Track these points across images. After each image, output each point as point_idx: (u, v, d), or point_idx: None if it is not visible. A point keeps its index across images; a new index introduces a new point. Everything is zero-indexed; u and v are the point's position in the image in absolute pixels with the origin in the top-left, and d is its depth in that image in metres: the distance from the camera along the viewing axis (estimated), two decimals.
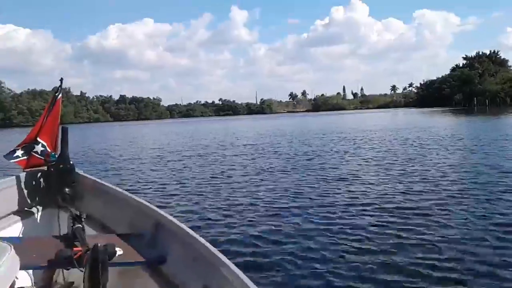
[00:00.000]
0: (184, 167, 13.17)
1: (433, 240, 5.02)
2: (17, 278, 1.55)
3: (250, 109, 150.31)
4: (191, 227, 2.25)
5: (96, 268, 1.91)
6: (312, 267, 4.40)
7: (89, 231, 2.70)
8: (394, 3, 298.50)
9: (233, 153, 17.18)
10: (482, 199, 7.06)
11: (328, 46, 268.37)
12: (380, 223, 5.86)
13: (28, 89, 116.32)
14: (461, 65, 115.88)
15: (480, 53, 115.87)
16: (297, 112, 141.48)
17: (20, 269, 1.51)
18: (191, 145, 22.38)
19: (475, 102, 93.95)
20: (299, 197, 7.84)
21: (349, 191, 8.26)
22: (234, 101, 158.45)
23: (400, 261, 4.43)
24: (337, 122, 45.61)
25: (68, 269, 2.37)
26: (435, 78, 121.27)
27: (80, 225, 2.45)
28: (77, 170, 3.28)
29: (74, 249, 2.15)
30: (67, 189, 3.10)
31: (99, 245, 2.00)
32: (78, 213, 2.59)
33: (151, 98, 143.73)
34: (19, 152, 3.42)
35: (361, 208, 6.79)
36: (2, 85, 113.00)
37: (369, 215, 6.32)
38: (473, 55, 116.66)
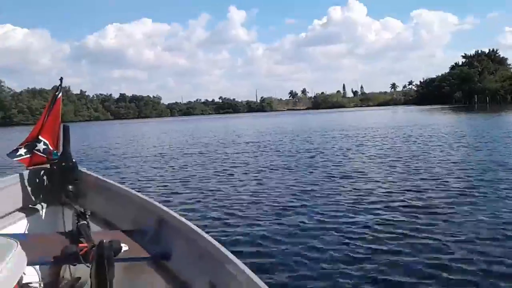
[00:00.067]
0: (185, 165, 13.17)
1: (442, 240, 4.94)
2: (24, 274, 1.56)
3: (250, 107, 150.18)
4: (194, 223, 2.26)
5: (102, 263, 1.92)
6: (317, 265, 4.37)
7: (94, 227, 2.72)
8: (392, 2, 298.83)
9: (235, 151, 17.18)
10: (491, 197, 6.96)
11: (326, 45, 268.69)
12: (386, 222, 5.79)
13: (28, 88, 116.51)
14: (460, 63, 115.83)
15: (479, 51, 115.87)
16: (297, 110, 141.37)
17: (27, 265, 1.52)
18: (192, 143, 22.38)
19: (476, 100, 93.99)
20: (303, 195, 7.80)
21: (354, 188, 8.20)
22: (234, 99, 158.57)
23: (408, 261, 4.36)
24: (338, 120, 45.59)
25: (74, 265, 2.39)
26: (434, 76, 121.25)
27: (85, 222, 2.47)
28: (79, 167, 3.29)
29: (80, 245, 2.16)
30: (70, 187, 3.12)
31: (104, 241, 2.01)
32: (82, 210, 2.60)
33: (151, 96, 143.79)
34: (22, 151, 3.44)
35: (366, 206, 6.71)
36: (2, 84, 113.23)
37: (375, 214, 6.24)
38: (472, 54, 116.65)
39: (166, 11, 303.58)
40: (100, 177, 3.24)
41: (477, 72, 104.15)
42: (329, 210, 6.54)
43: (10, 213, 2.96)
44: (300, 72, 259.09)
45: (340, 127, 30.97)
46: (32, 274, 2.62)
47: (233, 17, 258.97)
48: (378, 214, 6.22)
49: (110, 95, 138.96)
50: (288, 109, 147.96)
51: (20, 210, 3.06)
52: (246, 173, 10.81)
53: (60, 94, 3.57)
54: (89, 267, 2.00)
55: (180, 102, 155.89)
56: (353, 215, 6.20)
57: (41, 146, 3.44)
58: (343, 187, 8.41)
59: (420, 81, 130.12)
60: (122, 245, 2.18)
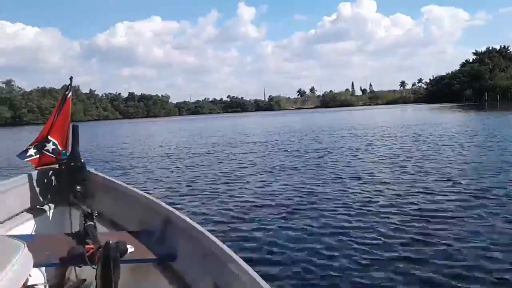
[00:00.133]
0: (194, 165, 13.18)
1: (453, 245, 4.76)
2: (30, 275, 1.57)
3: (259, 106, 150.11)
4: (201, 225, 2.26)
5: (108, 265, 1.93)
6: (323, 270, 4.28)
7: (100, 228, 2.73)
8: None
9: (242, 150, 17.16)
10: (504, 199, 6.70)
11: (335, 42, 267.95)
12: (397, 225, 5.60)
13: (38, 87, 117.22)
14: (471, 60, 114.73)
15: (490, 48, 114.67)
16: (306, 108, 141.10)
17: (33, 267, 1.53)
18: (200, 143, 22.42)
19: (486, 98, 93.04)
20: (311, 196, 7.71)
21: (363, 190, 8.01)
22: (242, 98, 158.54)
23: (419, 268, 4.20)
24: (347, 119, 45.37)
25: (80, 266, 2.40)
26: (444, 73, 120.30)
27: (91, 223, 2.48)
28: (87, 168, 3.31)
29: (86, 246, 2.17)
30: (78, 187, 3.14)
31: (110, 242, 2.02)
32: (89, 210, 2.61)
33: (160, 95, 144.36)
34: (31, 151, 3.48)
35: (376, 209, 6.54)
36: (12, 83, 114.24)
37: (384, 217, 6.05)
38: (483, 50, 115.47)
39: (175, 9, 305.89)
40: (108, 177, 3.25)
41: (488, 69, 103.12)
42: (337, 214, 6.38)
43: (18, 214, 2.99)
44: (309, 70, 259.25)
45: (348, 126, 30.81)
46: (37, 276, 2.63)
47: (242, 14, 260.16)
48: (387, 217, 6.03)
49: (119, 94, 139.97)
50: (296, 108, 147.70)
51: (28, 210, 3.09)
52: (253, 174, 10.73)
53: (70, 94, 3.60)
54: (94, 268, 2.01)
55: (189, 101, 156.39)
56: (362, 218, 6.04)
57: (50, 146, 3.48)
58: (352, 188, 8.23)
59: (430, 79, 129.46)
60: (128, 246, 2.19)
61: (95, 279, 1.98)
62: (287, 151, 16.12)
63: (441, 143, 15.65)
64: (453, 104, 79.31)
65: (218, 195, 8.26)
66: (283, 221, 6.16)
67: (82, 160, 3.25)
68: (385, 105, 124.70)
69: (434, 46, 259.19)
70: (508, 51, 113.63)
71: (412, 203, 6.79)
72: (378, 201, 7.05)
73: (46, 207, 3.22)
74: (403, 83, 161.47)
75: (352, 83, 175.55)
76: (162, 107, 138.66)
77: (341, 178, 9.52)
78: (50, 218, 3.21)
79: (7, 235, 2.16)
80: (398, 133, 22.00)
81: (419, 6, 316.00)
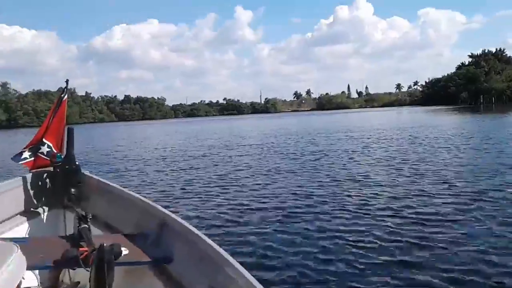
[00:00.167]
0: (189, 168, 13.16)
1: (450, 249, 4.72)
2: (23, 278, 1.56)
3: (255, 109, 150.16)
4: (196, 228, 2.25)
5: (102, 268, 1.92)
6: (319, 272, 4.27)
7: (95, 231, 2.72)
8: (399, 1, 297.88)
9: (239, 153, 17.15)
10: (501, 202, 6.69)
11: (332, 45, 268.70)
12: (393, 228, 5.56)
13: (33, 89, 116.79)
14: (466, 63, 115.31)
15: (486, 51, 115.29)
16: (302, 111, 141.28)
17: (27, 269, 1.52)
18: (196, 145, 22.40)
19: (482, 100, 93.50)
20: (307, 199, 7.69)
21: (360, 192, 8.00)
22: (238, 100, 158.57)
23: (415, 269, 4.18)
24: (343, 121, 45.44)
25: (74, 269, 2.39)
26: (440, 76, 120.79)
27: (86, 225, 2.47)
28: (82, 170, 3.30)
29: (80, 249, 2.16)
30: (73, 190, 3.13)
31: (105, 245, 2.01)
32: (84, 213, 2.60)
33: (156, 98, 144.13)
34: (26, 154, 3.47)
35: (373, 211, 6.51)
36: (8, 86, 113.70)
37: (382, 219, 6.01)
38: (479, 53, 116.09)
39: (172, 12, 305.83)
40: (103, 180, 3.24)
41: (483, 72, 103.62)
42: (333, 216, 6.35)
43: (12, 217, 2.97)
44: (306, 72, 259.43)
45: (345, 128, 30.84)
46: (31, 279, 2.62)
47: (239, 17, 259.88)
48: (383, 220, 5.99)
49: (115, 96, 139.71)
50: (292, 110, 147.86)
51: (22, 213, 3.08)
52: (249, 177, 10.72)
53: (66, 96, 3.59)
54: (89, 271, 2.00)
55: (185, 104, 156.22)
56: (358, 221, 6.02)
57: (45, 149, 3.47)
58: (349, 191, 8.21)
59: (426, 81, 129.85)
60: (123, 249, 2.18)
61: (89, 281, 1.97)
62: (283, 153, 16.11)
63: (437, 146, 15.67)
64: (448, 106, 79.54)
65: (214, 198, 8.24)
66: (278, 224, 6.15)
67: (77, 163, 3.24)
68: (381, 107, 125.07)
69: (430, 49, 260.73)
70: (504, 54, 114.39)
71: (408, 205, 6.79)
72: (374, 204, 7.03)
73: (40, 210, 3.21)
74: (399, 86, 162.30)
75: (348, 86, 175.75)
76: (158, 109, 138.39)
77: (337, 180, 9.51)
78: (45, 220, 3.20)
79: (0, 238, 2.15)
80: (394, 135, 22.04)
81: (416, 9, 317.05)
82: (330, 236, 5.42)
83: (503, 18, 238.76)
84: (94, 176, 3.31)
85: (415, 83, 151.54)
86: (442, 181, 8.67)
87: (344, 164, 12.13)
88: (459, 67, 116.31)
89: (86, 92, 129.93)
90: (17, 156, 3.46)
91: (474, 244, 4.86)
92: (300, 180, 9.79)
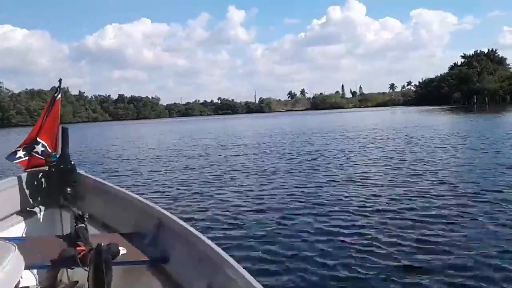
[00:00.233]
0: (184, 167, 13.13)
1: (450, 251, 4.70)
2: (21, 277, 1.55)
3: (249, 108, 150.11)
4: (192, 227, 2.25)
5: (100, 267, 1.92)
6: (316, 275, 4.26)
7: (92, 230, 2.71)
8: (391, 2, 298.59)
9: (234, 153, 17.12)
10: (500, 202, 6.68)
11: (325, 45, 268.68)
12: (391, 228, 5.55)
13: (26, 89, 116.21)
14: (459, 63, 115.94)
15: (478, 51, 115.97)
16: (296, 111, 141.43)
17: (24, 269, 1.51)
18: (191, 145, 22.35)
19: (475, 100, 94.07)
20: (304, 199, 7.67)
21: (357, 193, 7.93)
22: (233, 100, 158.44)
23: (413, 270, 4.20)
24: (337, 121, 45.51)
25: (72, 268, 2.38)
26: (433, 76, 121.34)
27: (82, 225, 2.46)
28: (78, 170, 3.29)
29: (78, 248, 2.15)
30: (68, 189, 3.11)
31: (102, 244, 2.00)
32: (80, 212, 2.59)
33: (150, 97, 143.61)
34: (20, 153, 3.44)
35: (370, 211, 6.49)
36: (0, 85, 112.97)
37: (379, 220, 5.99)
38: (471, 54, 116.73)
39: (165, 11, 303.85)
40: (99, 179, 3.23)
41: (476, 72, 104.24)
42: (330, 217, 6.31)
43: (8, 216, 2.96)
44: (299, 72, 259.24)
45: (340, 128, 30.90)
46: (29, 278, 2.61)
47: (232, 17, 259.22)
48: (381, 221, 5.96)
49: (109, 96, 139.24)
50: (287, 110, 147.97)
51: (18, 213, 3.06)
52: (245, 177, 10.68)
53: (59, 96, 3.57)
54: (86, 270, 2.00)
55: (179, 103, 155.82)
56: (355, 222, 6.00)
57: (39, 148, 3.44)
58: (345, 191, 8.16)
59: (419, 82, 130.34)
60: (120, 248, 2.17)
61: (87, 281, 1.97)
62: (278, 153, 16.09)
63: (434, 146, 15.68)
64: (442, 106, 79.90)
65: (208, 197, 8.22)
66: (274, 224, 6.13)
67: (72, 162, 3.23)
68: (375, 107, 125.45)
69: (423, 49, 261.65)
70: (496, 55, 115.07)
71: (406, 206, 6.78)
72: (372, 204, 7.00)
73: (36, 209, 3.19)
74: (392, 86, 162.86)
75: (342, 86, 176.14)
76: (152, 109, 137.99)
77: (333, 180, 9.49)
78: (41, 220, 3.18)
79: None
80: (390, 135, 22.09)
81: (408, 10, 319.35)
82: (326, 235, 5.42)
83: (494, 19, 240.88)
84: (90, 176, 3.30)
85: (409, 83, 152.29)
86: (440, 181, 8.68)
87: (341, 164, 12.11)
88: (451, 68, 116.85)
89: (80, 92, 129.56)
90: (12, 155, 3.43)
91: (472, 244, 4.87)
92: (295, 180, 9.76)
